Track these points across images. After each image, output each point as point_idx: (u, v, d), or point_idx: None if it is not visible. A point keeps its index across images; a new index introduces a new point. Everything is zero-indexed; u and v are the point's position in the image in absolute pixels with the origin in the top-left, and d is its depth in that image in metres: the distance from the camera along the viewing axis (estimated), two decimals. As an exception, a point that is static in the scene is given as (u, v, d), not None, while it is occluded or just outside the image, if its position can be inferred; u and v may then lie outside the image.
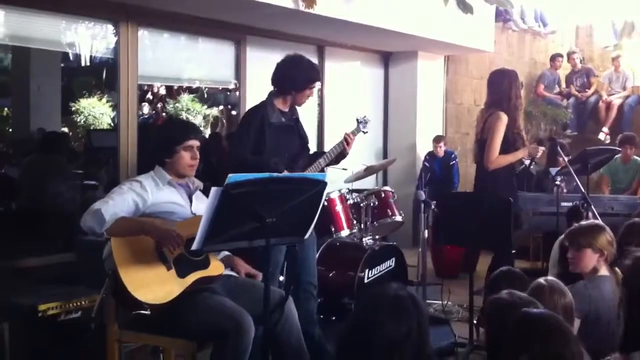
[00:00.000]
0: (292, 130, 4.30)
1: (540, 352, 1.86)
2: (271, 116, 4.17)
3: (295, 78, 4.19)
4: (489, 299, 2.36)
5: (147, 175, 3.43)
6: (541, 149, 4.98)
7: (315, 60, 7.79)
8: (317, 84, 4.31)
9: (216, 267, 3.39)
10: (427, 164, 8.37)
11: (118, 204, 3.22)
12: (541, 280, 2.80)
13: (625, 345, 2.32)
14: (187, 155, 3.43)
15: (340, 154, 4.35)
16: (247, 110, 4.48)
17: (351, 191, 5.50)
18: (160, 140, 3.58)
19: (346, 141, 4.31)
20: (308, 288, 4.30)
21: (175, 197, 3.41)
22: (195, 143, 3.46)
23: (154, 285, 3.12)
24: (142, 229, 3.16)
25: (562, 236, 4.98)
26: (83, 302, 4.04)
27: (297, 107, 4.33)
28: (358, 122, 4.49)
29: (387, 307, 1.92)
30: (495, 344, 2.14)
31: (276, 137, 4.15)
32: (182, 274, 3.21)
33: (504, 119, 4.86)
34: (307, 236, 3.12)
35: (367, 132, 4.56)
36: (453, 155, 8.55)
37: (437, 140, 8.41)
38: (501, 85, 4.97)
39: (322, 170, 4.26)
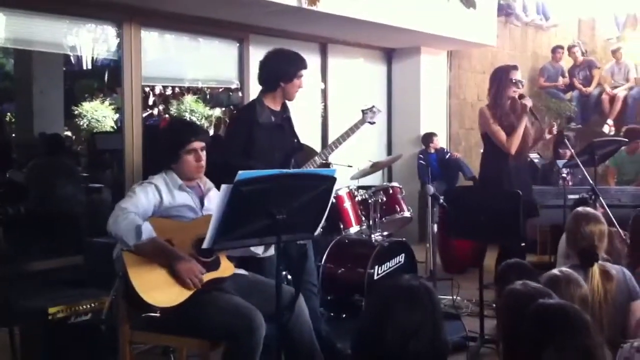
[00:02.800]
0: (283, 129, 4.20)
1: (564, 344, 1.85)
2: (260, 116, 4.07)
3: (281, 69, 4.10)
4: (504, 290, 2.33)
5: (159, 177, 3.38)
6: (525, 101, 5.06)
7: (318, 57, 7.83)
8: (304, 72, 4.16)
9: (227, 268, 3.37)
10: (422, 162, 8.39)
11: (146, 211, 3.20)
12: (555, 271, 2.78)
13: None
14: (191, 159, 3.37)
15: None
16: (235, 111, 4.44)
17: (358, 187, 5.48)
18: (163, 145, 3.50)
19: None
20: (307, 286, 4.25)
21: (187, 201, 3.38)
22: (198, 145, 3.38)
23: (163, 288, 3.10)
24: (167, 258, 3.12)
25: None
26: (93, 304, 4.02)
27: (288, 102, 4.23)
28: (363, 112, 4.43)
29: (400, 298, 1.95)
30: (512, 336, 2.12)
31: (267, 137, 4.06)
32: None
33: (483, 112, 5.14)
34: (317, 233, 3.11)
35: (374, 122, 4.50)
36: (445, 150, 8.70)
37: (431, 137, 8.52)
38: (490, 83, 5.21)
39: (325, 167, 4.23)
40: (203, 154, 3.41)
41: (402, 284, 2.01)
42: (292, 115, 4.32)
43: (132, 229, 3.05)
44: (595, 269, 3.16)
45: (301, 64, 4.16)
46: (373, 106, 4.47)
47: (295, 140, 4.28)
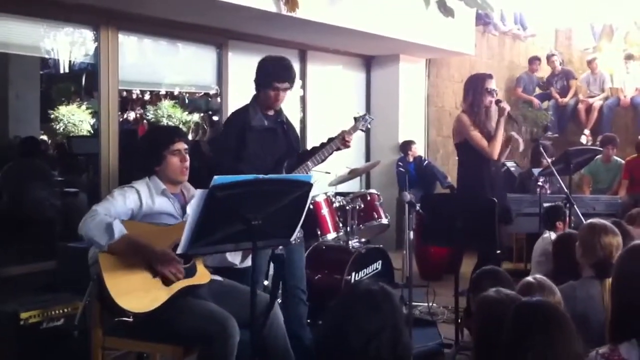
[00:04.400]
0: (276, 133, 4.16)
1: (545, 342, 1.86)
2: (253, 119, 4.05)
3: (258, 77, 4.07)
4: (477, 297, 2.34)
5: (142, 182, 3.36)
6: (503, 105, 5.04)
7: (297, 64, 7.82)
8: (281, 85, 4.03)
9: (203, 275, 3.35)
10: (401, 169, 8.40)
11: (121, 213, 3.16)
12: (530, 278, 2.80)
13: (614, 336, 2.32)
14: (175, 160, 3.36)
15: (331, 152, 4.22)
16: (230, 113, 4.40)
17: (336, 194, 5.48)
18: (146, 148, 3.50)
19: (344, 141, 4.16)
20: (296, 293, 4.24)
21: (168, 208, 3.35)
22: (181, 146, 3.39)
23: (138, 293, 3.06)
24: (141, 254, 3.09)
25: (547, 234, 5.04)
26: (65, 310, 4.00)
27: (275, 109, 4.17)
28: (355, 120, 4.40)
29: (360, 302, 1.99)
30: (486, 342, 2.12)
31: (259, 141, 4.04)
32: (168, 282, 3.17)
33: (462, 119, 5.08)
34: (293, 238, 3.10)
35: (365, 130, 4.48)
36: (423, 158, 8.72)
37: (409, 145, 8.53)
38: (466, 91, 5.19)
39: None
40: (187, 156, 3.40)
41: (361, 289, 2.06)
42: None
43: (103, 228, 3.01)
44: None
45: (275, 75, 4.03)
46: (366, 114, 4.47)
47: (292, 144, 4.23)
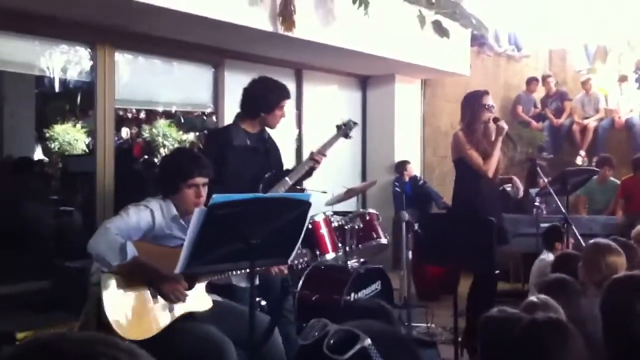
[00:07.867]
0: (258, 152, 4.22)
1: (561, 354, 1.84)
2: (235, 139, 4.11)
3: (263, 99, 4.14)
4: (481, 317, 2.32)
5: (156, 202, 3.31)
6: (501, 124, 5.00)
7: (293, 83, 7.82)
8: (286, 102, 4.24)
9: (204, 302, 3.31)
10: (398, 189, 8.39)
11: (132, 233, 3.13)
12: (533, 298, 2.77)
13: None
14: (191, 193, 3.30)
15: (309, 170, 4.30)
16: (209, 133, 4.43)
17: (334, 213, 5.46)
18: (165, 174, 3.44)
19: (314, 160, 4.25)
20: (282, 312, 4.23)
21: (178, 233, 3.30)
22: (200, 180, 3.31)
23: (137, 318, 3.04)
24: (147, 275, 3.06)
25: (544, 255, 5.02)
26: (61, 329, 3.94)
27: (270, 129, 4.27)
28: (338, 128, 4.45)
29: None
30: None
31: (240, 159, 4.08)
32: (169, 307, 3.14)
33: (459, 137, 5.03)
34: (291, 258, 3.07)
35: (351, 137, 4.52)
36: (418, 177, 8.71)
37: (404, 165, 8.53)
38: (463, 109, 5.16)
39: (296, 189, 4.21)
40: (204, 190, 3.33)
41: None
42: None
43: (116, 247, 2.98)
44: None
45: (282, 94, 4.19)
46: (350, 120, 4.50)
47: (272, 162, 4.27)
